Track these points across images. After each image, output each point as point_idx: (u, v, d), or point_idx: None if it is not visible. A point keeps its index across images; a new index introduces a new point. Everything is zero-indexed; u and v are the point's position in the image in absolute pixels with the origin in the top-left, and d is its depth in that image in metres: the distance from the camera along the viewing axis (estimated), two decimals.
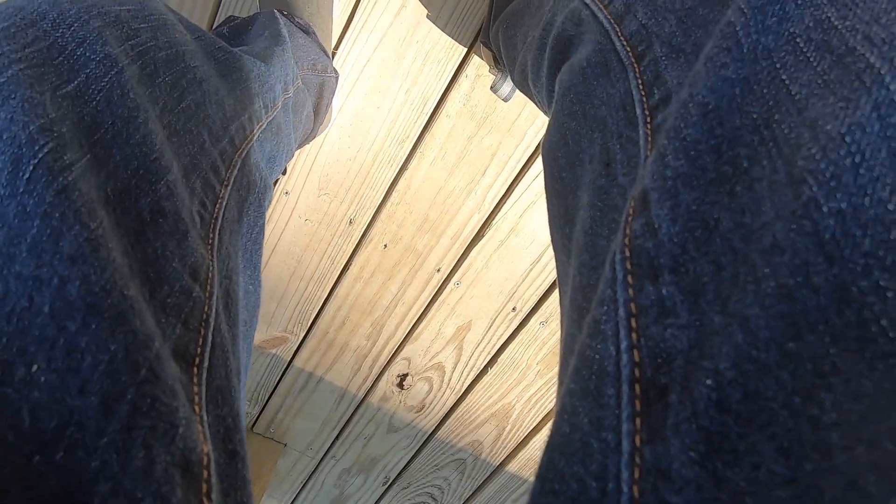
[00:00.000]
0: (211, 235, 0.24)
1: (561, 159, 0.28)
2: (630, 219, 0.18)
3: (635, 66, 0.24)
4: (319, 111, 0.55)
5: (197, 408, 0.18)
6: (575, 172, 0.26)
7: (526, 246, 0.74)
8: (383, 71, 0.64)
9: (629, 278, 0.17)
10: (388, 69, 0.64)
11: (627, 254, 0.17)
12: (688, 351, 0.14)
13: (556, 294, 0.77)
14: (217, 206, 0.26)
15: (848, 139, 0.13)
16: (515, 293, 0.77)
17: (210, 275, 0.22)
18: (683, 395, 0.14)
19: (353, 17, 0.62)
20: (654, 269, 0.16)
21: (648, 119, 0.22)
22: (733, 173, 0.16)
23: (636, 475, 0.14)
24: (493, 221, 0.72)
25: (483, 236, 0.73)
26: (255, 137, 0.33)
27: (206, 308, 0.21)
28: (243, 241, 0.29)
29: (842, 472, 0.11)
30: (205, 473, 0.17)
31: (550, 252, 0.73)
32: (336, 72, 0.59)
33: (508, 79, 0.56)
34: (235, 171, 0.28)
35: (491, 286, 0.77)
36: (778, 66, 0.17)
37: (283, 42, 0.44)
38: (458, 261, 0.75)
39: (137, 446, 0.15)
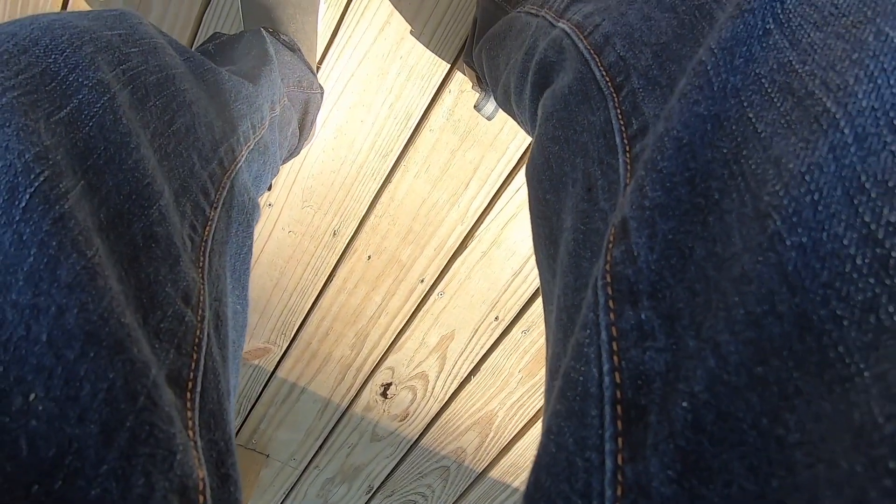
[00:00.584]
0: (201, 259, 0.24)
1: (545, 182, 0.29)
2: (611, 246, 0.19)
3: (614, 95, 0.25)
4: (304, 127, 0.56)
5: (191, 433, 0.18)
6: (559, 195, 0.27)
7: (508, 257, 0.75)
8: (367, 86, 0.65)
9: (610, 303, 0.17)
10: (371, 84, 0.65)
11: (608, 279, 0.18)
12: (665, 373, 0.15)
13: (537, 303, 0.78)
14: (207, 228, 0.26)
15: (808, 178, 0.14)
16: (498, 303, 0.78)
17: (201, 298, 0.22)
18: (662, 416, 0.14)
19: (336, 32, 0.62)
20: (633, 295, 0.17)
21: (627, 148, 0.23)
22: (706, 204, 0.17)
23: (618, 493, 0.14)
24: (476, 233, 0.73)
25: (466, 247, 0.74)
26: (243, 158, 0.33)
27: (198, 332, 0.21)
28: (231, 261, 0.29)
29: (805, 489, 0.11)
30: (201, 499, 0.17)
31: (532, 263, 0.75)
32: (321, 88, 0.60)
33: (491, 98, 0.57)
34: (224, 193, 0.28)
35: (474, 296, 0.78)
36: (745, 104, 0.18)
37: (270, 61, 0.45)
38: (442, 271, 0.76)
39: (137, 474, 0.16)
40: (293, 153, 0.56)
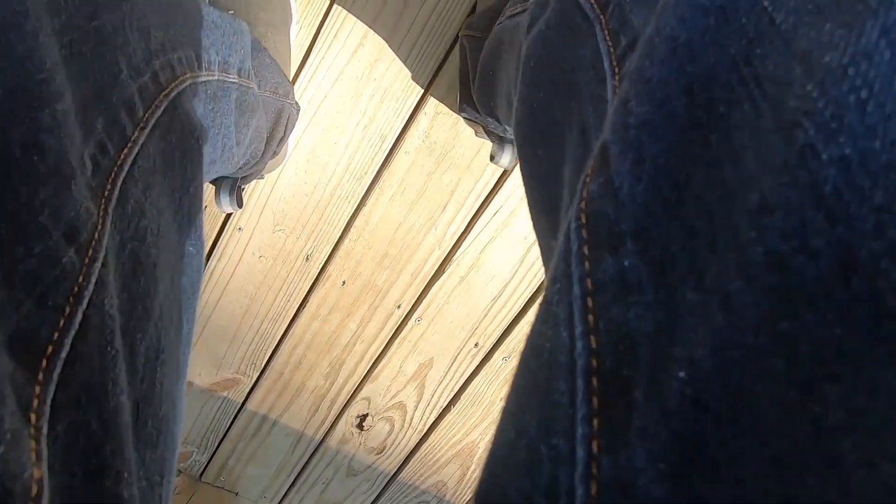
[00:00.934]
0: (107, 186, 0.19)
1: (534, 137, 0.25)
2: (588, 179, 0.15)
3: (601, 17, 0.22)
4: (274, 138, 0.52)
5: (33, 416, 0.14)
6: (552, 149, 0.23)
7: (487, 282, 0.73)
8: (341, 108, 0.64)
9: (585, 249, 0.14)
10: (345, 106, 0.64)
11: (583, 220, 0.14)
12: (655, 335, 0.12)
13: (518, 329, 0.76)
14: (124, 150, 0.21)
15: (851, 71, 0.11)
16: (477, 329, 0.76)
17: (96, 236, 0.18)
18: (651, 391, 0.11)
19: (309, 54, 0.61)
20: (614, 237, 0.14)
21: (616, 69, 0.20)
22: (708, 120, 0.14)
23: (592, 491, 0.11)
24: (454, 257, 0.71)
25: (444, 272, 0.72)
26: (187, 82, 0.26)
27: (80, 279, 0.16)
28: (178, 196, 0.24)
29: (862, 497, 0.08)
30: None
31: (511, 287, 0.73)
32: (297, 105, 0.58)
33: (506, 146, 0.55)
34: (159, 114, 0.23)
35: (452, 322, 0.76)
36: None
37: (240, 31, 0.39)
38: (419, 297, 0.74)
39: None
40: (259, 162, 0.51)
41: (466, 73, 0.50)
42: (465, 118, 0.55)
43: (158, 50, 0.25)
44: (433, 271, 0.73)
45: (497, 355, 0.78)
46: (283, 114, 0.51)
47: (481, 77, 0.46)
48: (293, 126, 0.57)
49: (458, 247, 0.71)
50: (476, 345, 0.77)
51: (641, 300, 0.13)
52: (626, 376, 0.12)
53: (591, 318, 0.13)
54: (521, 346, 0.78)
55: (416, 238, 0.70)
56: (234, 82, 0.36)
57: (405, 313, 0.75)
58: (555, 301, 0.14)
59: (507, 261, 0.72)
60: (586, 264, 0.14)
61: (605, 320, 0.13)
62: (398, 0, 0.59)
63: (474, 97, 0.48)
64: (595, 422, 0.12)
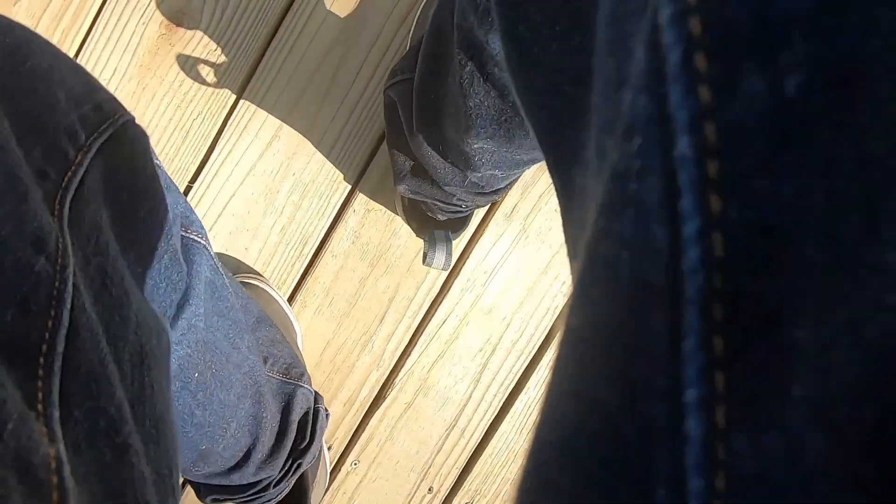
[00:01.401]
0: (56, 207, 0.20)
1: None
2: None
3: None
4: (287, 432, 0.44)
5: (41, 406, 0.15)
6: None
7: (438, 407, 0.61)
8: (252, 207, 0.55)
9: (698, 58, 0.08)
10: (258, 205, 0.55)
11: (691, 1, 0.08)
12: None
13: (479, 465, 0.62)
14: (68, 173, 0.21)
15: None
16: (430, 469, 0.62)
17: (61, 245, 0.18)
18: (828, 330, 0.06)
19: (213, 149, 0.53)
20: (764, 31, 0.07)
21: None
22: None
23: (719, 485, 0.07)
24: (396, 380, 0.60)
25: (384, 399, 0.60)
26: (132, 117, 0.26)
27: (56, 283, 0.17)
28: (130, 223, 0.24)
29: None
30: (53, 479, 0.14)
31: (469, 412, 0.61)
32: (326, 410, 0.50)
33: (440, 246, 0.48)
34: (103, 140, 0.23)
35: (398, 463, 0.62)
36: None
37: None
38: (355, 433, 0.61)
39: None
40: (268, 458, 0.43)
41: (399, 129, 0.43)
42: (407, 194, 0.47)
43: (98, 87, 0.25)
44: (371, 399, 0.61)
45: (456, 501, 0.63)
46: (294, 399, 0.46)
47: (420, 99, 0.39)
48: (321, 430, 0.49)
49: (401, 366, 0.60)
50: (430, 490, 0.63)
51: (809, 162, 0.07)
52: (776, 298, 0.07)
53: (714, 199, 0.07)
54: (485, 487, 0.64)
55: (349, 358, 0.59)
56: (202, 244, 0.33)
57: (337, 456, 0.62)
58: (633, 171, 0.08)
59: (461, 379, 0.60)
60: (702, 92, 0.07)
61: (742, 202, 0.07)
62: (319, 87, 0.53)
63: (419, 137, 0.41)
64: (719, 378, 0.07)
